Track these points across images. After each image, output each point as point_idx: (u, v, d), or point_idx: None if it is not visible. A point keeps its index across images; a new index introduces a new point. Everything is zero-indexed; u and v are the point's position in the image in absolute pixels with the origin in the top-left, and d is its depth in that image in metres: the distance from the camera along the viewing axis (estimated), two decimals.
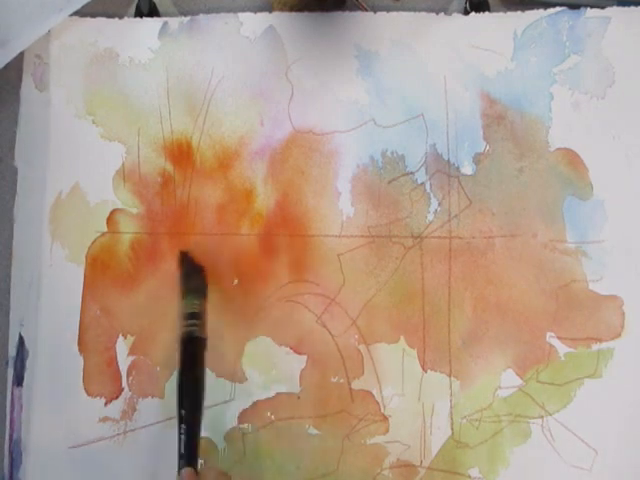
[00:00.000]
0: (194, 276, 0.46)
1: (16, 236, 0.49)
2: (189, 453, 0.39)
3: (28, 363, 0.48)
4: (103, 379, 0.47)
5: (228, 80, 0.49)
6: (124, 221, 0.49)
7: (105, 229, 0.49)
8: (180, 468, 0.38)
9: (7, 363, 0.48)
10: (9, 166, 0.50)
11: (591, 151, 0.47)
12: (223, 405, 0.47)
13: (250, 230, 0.48)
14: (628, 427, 0.45)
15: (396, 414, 0.46)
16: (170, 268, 0.48)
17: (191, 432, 0.39)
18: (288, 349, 0.47)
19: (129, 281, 0.48)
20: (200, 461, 0.46)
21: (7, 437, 0.47)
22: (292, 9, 0.49)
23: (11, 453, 0.47)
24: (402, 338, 0.47)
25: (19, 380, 0.48)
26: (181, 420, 0.39)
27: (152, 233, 0.48)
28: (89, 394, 0.47)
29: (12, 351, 0.48)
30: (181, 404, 0.40)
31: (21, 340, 0.48)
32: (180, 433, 0.39)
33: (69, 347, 0.48)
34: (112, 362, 0.48)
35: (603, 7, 0.47)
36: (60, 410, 0.47)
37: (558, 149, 0.47)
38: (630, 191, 0.47)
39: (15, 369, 0.48)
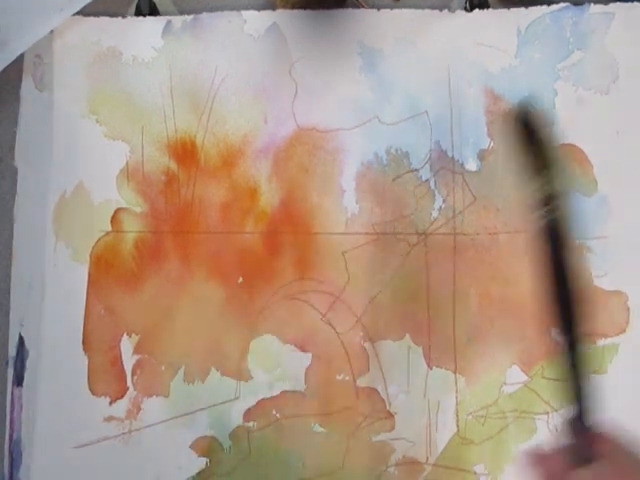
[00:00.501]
0: (546, 145, 0.33)
1: (16, 236, 0.49)
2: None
3: (30, 363, 0.48)
4: (108, 378, 0.47)
5: (232, 78, 0.49)
6: (128, 220, 0.48)
7: (109, 228, 0.48)
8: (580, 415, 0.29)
9: (7, 363, 0.48)
10: (9, 166, 0.50)
11: (595, 147, 0.47)
12: (228, 404, 0.47)
13: (254, 228, 0.48)
14: (633, 422, 0.45)
15: (401, 411, 0.46)
16: (174, 266, 0.48)
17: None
18: (293, 347, 0.47)
19: (133, 280, 0.48)
20: (205, 459, 0.46)
21: (7, 437, 0.47)
22: (295, 7, 0.49)
23: (11, 453, 0.47)
24: (407, 335, 0.47)
25: (19, 380, 0.48)
26: (571, 346, 0.30)
27: (156, 232, 0.48)
28: (94, 393, 0.47)
29: (12, 351, 0.48)
30: (567, 326, 0.30)
31: (21, 340, 0.48)
32: (573, 365, 0.29)
33: (73, 346, 0.48)
34: (117, 361, 0.47)
35: (606, 3, 0.48)
36: (65, 410, 0.47)
37: (562, 145, 0.47)
38: (634, 187, 0.47)
39: (15, 369, 0.48)
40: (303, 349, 0.47)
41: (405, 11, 0.49)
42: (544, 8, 0.48)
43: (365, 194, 0.48)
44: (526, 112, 0.34)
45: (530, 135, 0.34)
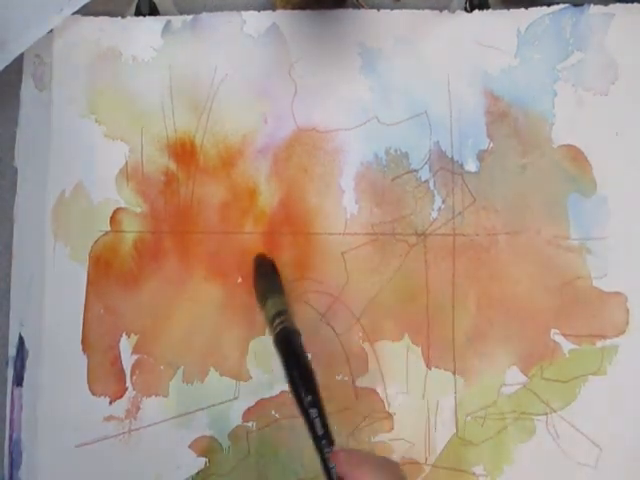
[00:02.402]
0: (268, 276, 0.45)
1: (16, 236, 0.49)
2: (328, 432, 0.38)
3: (30, 363, 0.48)
4: (107, 378, 0.47)
5: (231, 78, 0.49)
6: (127, 220, 0.49)
7: (108, 228, 0.48)
8: (323, 448, 0.37)
9: (7, 363, 0.48)
10: (9, 166, 0.50)
11: (594, 148, 0.47)
12: (227, 404, 0.47)
13: (254, 228, 0.48)
14: (633, 423, 0.45)
15: (400, 412, 0.46)
16: (173, 266, 0.48)
17: (323, 413, 0.38)
18: None
19: (132, 280, 0.48)
20: (204, 459, 0.46)
21: (7, 437, 0.47)
22: (295, 7, 0.49)
23: (11, 453, 0.47)
24: (406, 335, 0.47)
25: (19, 380, 0.48)
26: (310, 405, 0.38)
27: (155, 232, 0.48)
28: (93, 393, 0.47)
29: (12, 351, 0.48)
30: (306, 391, 0.39)
31: (21, 340, 0.48)
32: (312, 417, 0.38)
33: (73, 346, 0.48)
34: (116, 361, 0.48)
35: (606, 4, 0.47)
36: (65, 409, 0.47)
37: (561, 146, 0.47)
38: (633, 187, 0.47)
39: (15, 369, 0.48)
40: None
41: (405, 11, 0.49)
42: (544, 9, 0.48)
43: (364, 194, 0.48)
44: (261, 260, 0.46)
45: (260, 274, 0.46)
